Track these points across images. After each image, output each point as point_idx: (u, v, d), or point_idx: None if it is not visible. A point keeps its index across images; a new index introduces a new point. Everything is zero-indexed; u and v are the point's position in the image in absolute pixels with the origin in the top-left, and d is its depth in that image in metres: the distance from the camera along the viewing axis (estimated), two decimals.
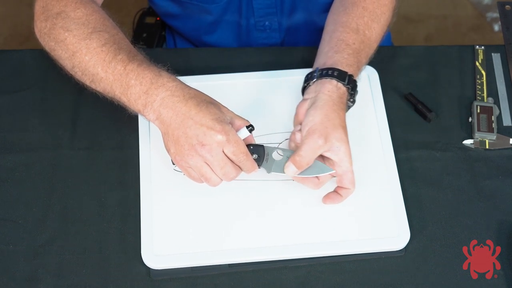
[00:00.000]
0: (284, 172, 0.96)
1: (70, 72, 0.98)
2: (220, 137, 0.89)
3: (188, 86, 0.93)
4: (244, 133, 0.93)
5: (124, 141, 1.07)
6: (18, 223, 1.00)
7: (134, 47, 0.97)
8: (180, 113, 0.90)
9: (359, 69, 1.02)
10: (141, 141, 1.04)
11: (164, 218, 0.98)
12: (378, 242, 0.96)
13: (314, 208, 0.99)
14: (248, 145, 0.95)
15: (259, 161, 0.95)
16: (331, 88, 0.97)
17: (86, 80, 0.96)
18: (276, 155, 0.97)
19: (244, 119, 0.95)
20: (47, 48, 1.00)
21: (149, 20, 1.54)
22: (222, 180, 0.93)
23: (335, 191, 0.99)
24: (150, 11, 1.53)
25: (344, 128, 0.96)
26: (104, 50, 0.94)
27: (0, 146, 1.07)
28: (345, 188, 0.97)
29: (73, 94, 1.09)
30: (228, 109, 0.94)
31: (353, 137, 1.01)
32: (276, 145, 1.03)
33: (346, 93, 0.99)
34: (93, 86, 0.96)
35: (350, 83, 0.98)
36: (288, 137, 1.04)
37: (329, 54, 1.02)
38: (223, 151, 0.90)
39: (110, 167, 1.05)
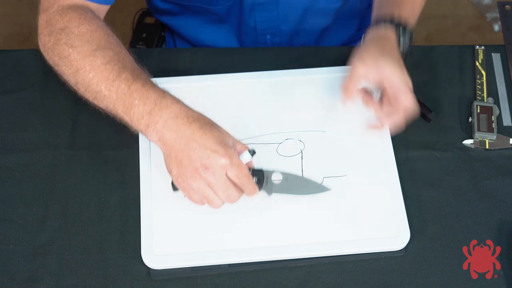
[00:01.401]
0: (285, 192, 0.98)
1: (73, 88, 0.98)
2: (224, 161, 0.89)
3: (191, 108, 0.93)
4: (246, 157, 0.94)
5: (124, 141, 1.06)
6: (18, 223, 1.00)
7: (136, 62, 0.97)
8: (184, 136, 0.90)
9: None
10: (141, 141, 1.04)
11: (164, 218, 0.98)
12: (378, 242, 0.96)
13: (314, 208, 0.99)
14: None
15: (260, 184, 0.96)
16: (378, 31, 1.03)
17: (89, 97, 0.96)
18: (274, 178, 0.98)
19: (243, 144, 0.95)
20: (50, 63, 0.99)
21: (149, 20, 1.54)
22: (224, 202, 0.93)
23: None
24: (150, 11, 1.53)
25: (395, 54, 1.00)
26: (108, 68, 0.93)
27: (0, 146, 1.07)
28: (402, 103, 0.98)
29: (73, 94, 1.09)
30: (229, 134, 0.94)
31: (353, 137, 1.01)
32: (276, 145, 1.03)
33: (394, 33, 1.03)
34: (95, 102, 0.96)
35: (400, 25, 1.03)
36: (288, 137, 1.04)
37: (379, 9, 1.07)
38: (226, 174, 0.90)
39: (110, 167, 1.05)
